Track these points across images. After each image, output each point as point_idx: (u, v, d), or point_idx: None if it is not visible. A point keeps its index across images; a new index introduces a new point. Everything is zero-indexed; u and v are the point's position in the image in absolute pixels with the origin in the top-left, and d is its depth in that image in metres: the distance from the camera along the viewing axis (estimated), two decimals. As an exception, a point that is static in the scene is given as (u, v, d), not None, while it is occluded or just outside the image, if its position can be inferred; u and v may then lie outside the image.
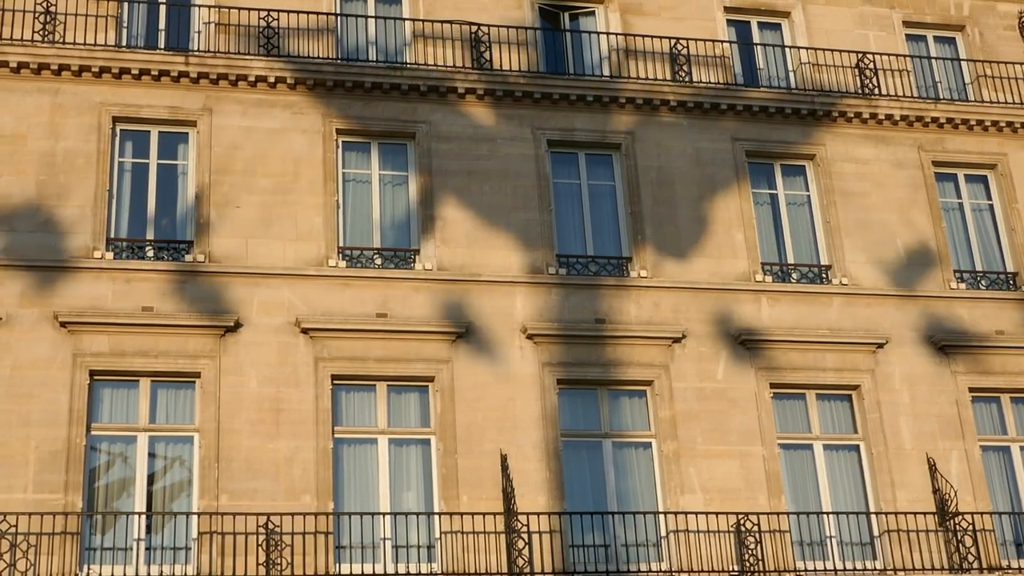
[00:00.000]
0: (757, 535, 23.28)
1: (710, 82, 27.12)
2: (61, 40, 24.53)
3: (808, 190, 27.17)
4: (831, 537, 24.18)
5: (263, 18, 25.52)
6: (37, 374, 22.37)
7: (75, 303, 22.95)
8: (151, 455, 22.71)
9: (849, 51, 28.15)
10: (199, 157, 24.55)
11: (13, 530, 21.05)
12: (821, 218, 26.80)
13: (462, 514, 22.63)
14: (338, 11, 26.64)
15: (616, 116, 26.51)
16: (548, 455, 23.67)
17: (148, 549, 21.99)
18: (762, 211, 26.78)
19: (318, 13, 25.89)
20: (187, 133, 24.92)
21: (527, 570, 22.19)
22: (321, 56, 25.60)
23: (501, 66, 26.29)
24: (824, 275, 26.33)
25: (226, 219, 24.15)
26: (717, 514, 23.39)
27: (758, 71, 28.27)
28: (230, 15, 25.63)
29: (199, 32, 25.72)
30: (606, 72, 27.21)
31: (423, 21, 26.48)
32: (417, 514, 22.90)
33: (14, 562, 20.87)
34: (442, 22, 26.43)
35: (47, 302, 22.83)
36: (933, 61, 29.38)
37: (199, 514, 22.00)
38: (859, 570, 23.80)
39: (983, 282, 27.04)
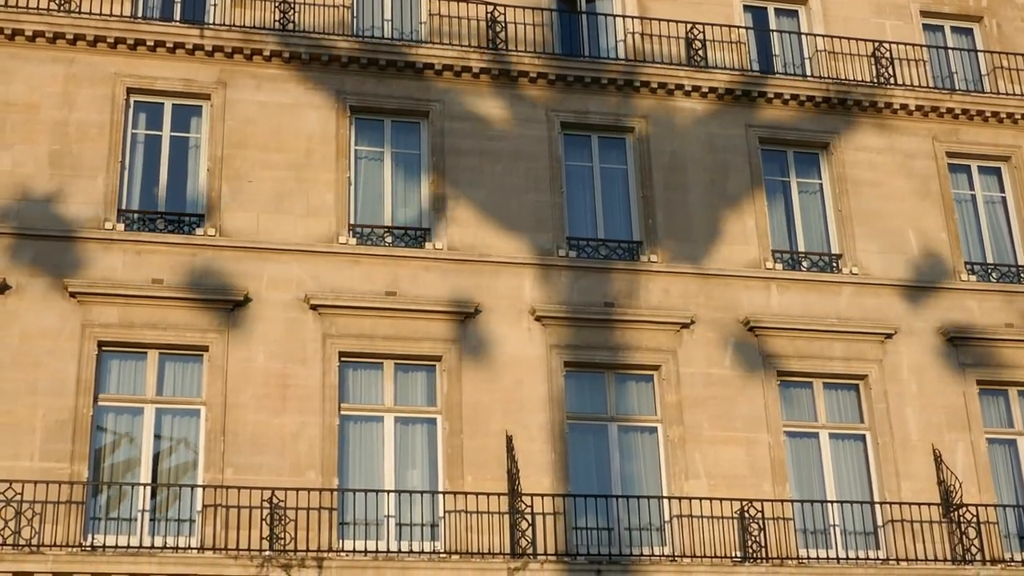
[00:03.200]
0: (761, 522, 23.29)
1: (725, 68, 27.05)
2: (77, 10, 24.52)
3: (821, 178, 27.12)
4: (835, 526, 24.19)
5: (279, -7, 25.54)
6: (45, 343, 22.42)
7: (85, 274, 22.97)
8: (157, 435, 22.72)
9: (865, 40, 28.08)
10: (212, 131, 24.55)
11: (19, 498, 21.11)
12: (833, 207, 26.74)
13: (466, 494, 22.66)
14: (355, -12, 26.62)
15: (630, 100, 26.45)
16: (554, 437, 23.68)
17: (152, 520, 22.06)
18: (774, 198, 26.72)
19: (334, -11, 25.92)
20: (201, 106, 24.91)
21: (530, 551, 22.22)
22: (336, 33, 25.56)
23: (516, 47, 26.23)
24: (834, 264, 26.28)
25: (238, 193, 24.15)
26: (721, 500, 23.39)
27: (774, 58, 28.19)
28: (246, -11, 25.65)
29: (215, 5, 25.68)
30: (622, 55, 27.14)
31: (439, 0, 26.42)
32: (421, 492, 22.94)
33: (19, 530, 20.95)
34: (459, 1, 26.36)
35: (57, 272, 22.85)
36: (950, 52, 29.28)
37: (204, 487, 22.05)
38: (862, 559, 23.84)
39: (994, 275, 26.98)
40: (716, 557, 22.97)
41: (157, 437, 22.73)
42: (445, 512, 22.72)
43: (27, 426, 21.90)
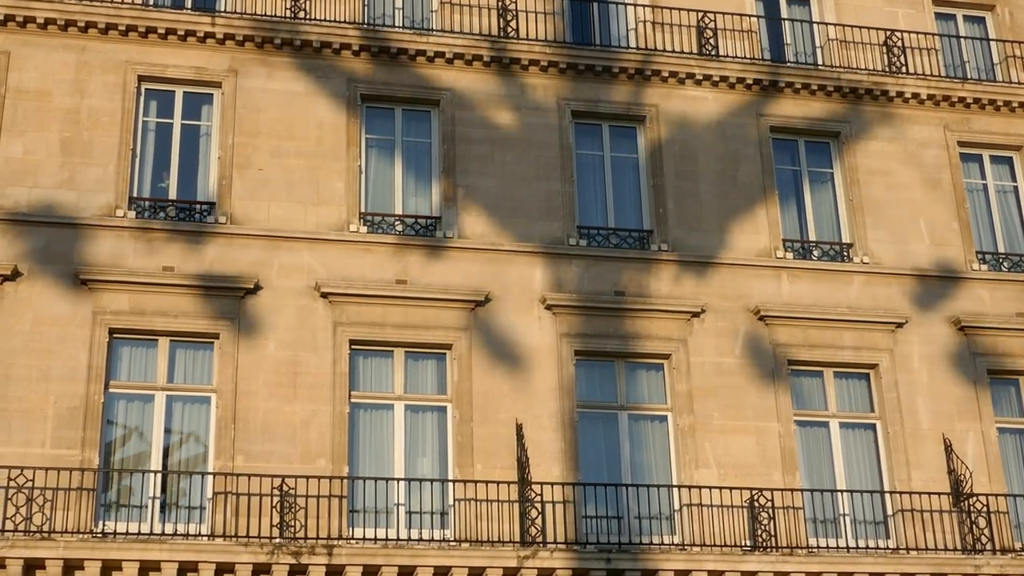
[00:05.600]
0: (770, 511, 23.29)
1: (737, 57, 27.00)
2: (88, -3, 24.60)
3: (832, 167, 27.07)
4: (844, 515, 24.19)
5: (290, -19, 25.53)
6: (57, 330, 22.47)
7: (96, 261, 23.02)
8: (168, 428, 22.75)
9: (877, 29, 28.02)
10: (223, 118, 24.57)
11: (30, 484, 21.17)
12: (844, 196, 26.71)
13: (476, 482, 22.67)
14: (366, -25, 26.58)
15: (641, 89, 26.42)
16: (564, 426, 23.70)
17: (163, 507, 22.11)
18: (785, 187, 26.67)
19: (345, -23, 25.90)
20: (212, 94, 24.93)
21: (539, 539, 22.24)
22: (347, 21, 25.55)
23: (528, 35, 26.21)
24: (845, 253, 26.25)
25: (248, 181, 24.17)
26: (731, 489, 23.40)
27: (785, 47, 28.13)
28: (257, -23, 25.64)
29: (226, -7, 25.76)
30: (633, 44, 27.10)
31: (450, -12, 26.44)
32: (431, 481, 22.97)
33: (30, 516, 20.99)
34: (469, -11, 26.40)
35: (68, 259, 22.90)
36: (962, 40, 29.20)
37: (214, 474, 22.10)
38: (872, 548, 23.83)
39: (1005, 264, 26.93)
40: (726, 546, 22.97)
41: (167, 431, 22.73)
42: (455, 500, 22.74)
43: (38, 413, 21.96)
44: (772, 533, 23.18)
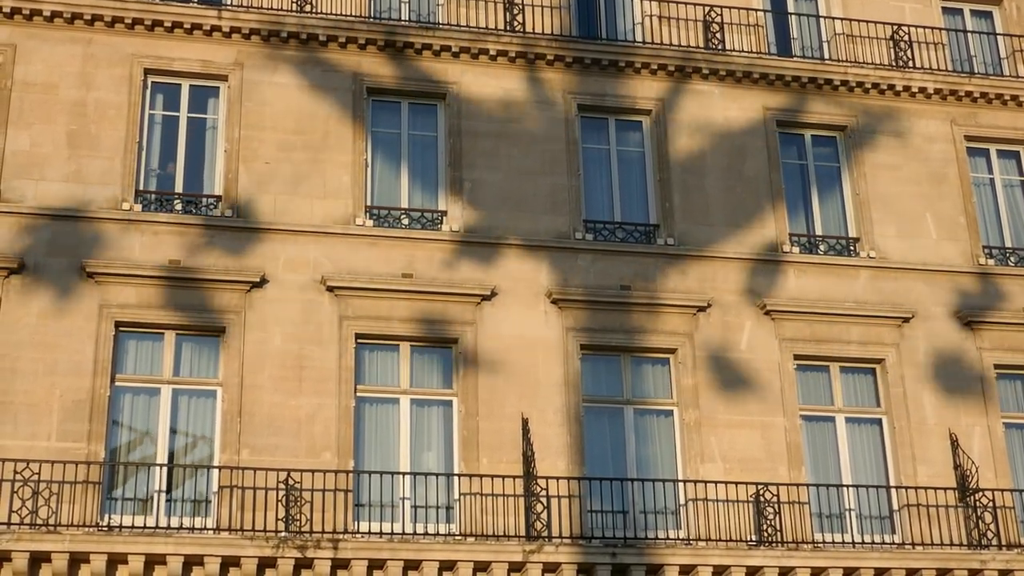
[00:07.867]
0: (776, 506, 23.27)
1: (743, 50, 26.98)
2: (94, -9, 24.58)
3: (838, 161, 27.03)
4: (850, 510, 24.17)
5: (296, -26, 25.51)
6: (63, 324, 22.48)
7: (102, 254, 23.01)
8: (173, 429, 22.73)
9: (884, 23, 27.96)
10: (229, 112, 24.55)
11: (36, 478, 21.19)
12: (851, 190, 26.66)
13: (482, 476, 22.68)
14: (372, -31, 26.57)
15: (647, 83, 26.39)
16: (569, 420, 23.69)
17: (169, 501, 22.12)
18: (791, 182, 26.64)
19: (351, -30, 25.88)
20: (218, 87, 24.92)
21: (545, 534, 22.23)
22: (354, 14, 25.53)
23: (534, 29, 26.17)
24: (852, 247, 26.21)
25: (254, 175, 24.16)
26: (737, 484, 23.38)
27: (792, 41, 28.09)
28: (264, -30, 25.61)
29: (232, -14, 25.72)
30: (639, 38, 27.07)
31: (457, -19, 26.41)
32: (437, 475, 22.97)
33: (36, 509, 21.02)
34: (476, -17, 26.37)
35: (75, 252, 22.90)
36: (969, 35, 29.15)
37: (220, 468, 22.11)
38: (877, 544, 23.79)
39: (1012, 258, 26.89)
40: (731, 541, 22.96)
41: (173, 432, 22.74)
42: (460, 494, 22.75)
43: (44, 406, 21.98)
44: (777, 528, 23.16)
